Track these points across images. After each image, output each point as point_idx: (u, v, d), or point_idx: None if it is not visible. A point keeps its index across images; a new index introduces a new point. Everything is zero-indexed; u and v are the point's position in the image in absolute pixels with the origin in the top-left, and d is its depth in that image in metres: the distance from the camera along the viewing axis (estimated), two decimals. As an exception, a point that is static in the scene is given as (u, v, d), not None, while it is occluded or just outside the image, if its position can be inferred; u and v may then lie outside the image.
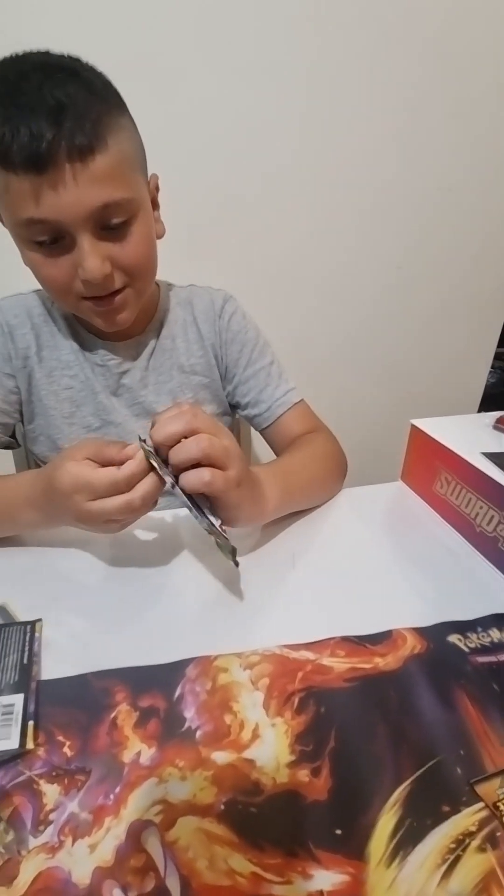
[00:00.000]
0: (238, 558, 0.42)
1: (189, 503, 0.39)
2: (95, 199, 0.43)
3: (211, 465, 0.38)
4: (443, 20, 0.90)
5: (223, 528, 0.41)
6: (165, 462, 0.39)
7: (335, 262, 1.08)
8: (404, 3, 0.87)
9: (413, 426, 0.58)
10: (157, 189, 0.54)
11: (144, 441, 0.39)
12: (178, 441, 0.38)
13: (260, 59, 0.87)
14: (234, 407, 0.69)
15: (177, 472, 0.39)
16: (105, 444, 0.41)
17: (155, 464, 0.38)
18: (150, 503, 0.40)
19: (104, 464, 0.40)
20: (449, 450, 0.52)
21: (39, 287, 0.58)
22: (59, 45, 0.44)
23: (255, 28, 0.84)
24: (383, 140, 0.98)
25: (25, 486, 0.45)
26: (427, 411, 0.59)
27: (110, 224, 0.46)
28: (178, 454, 0.38)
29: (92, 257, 0.45)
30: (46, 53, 0.44)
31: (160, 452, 0.39)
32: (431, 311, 1.18)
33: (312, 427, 0.64)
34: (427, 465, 0.56)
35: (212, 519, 0.40)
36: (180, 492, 0.39)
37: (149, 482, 0.39)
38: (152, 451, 0.39)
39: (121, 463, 0.39)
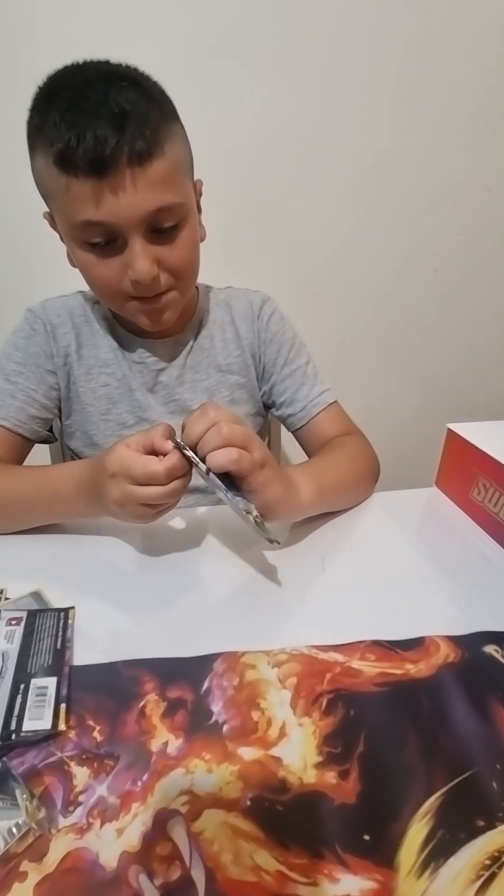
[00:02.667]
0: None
1: (222, 486, 0.41)
2: (151, 202, 0.45)
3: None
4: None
5: (258, 518, 0.41)
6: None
7: (371, 265, 1.07)
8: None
9: (449, 430, 0.57)
10: (200, 194, 0.55)
11: (179, 441, 0.41)
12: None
13: (291, 60, 0.87)
14: (268, 407, 0.69)
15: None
16: (154, 431, 0.42)
17: (189, 454, 0.41)
18: (178, 495, 0.42)
19: (149, 450, 0.41)
20: (488, 455, 0.50)
21: (80, 290, 0.60)
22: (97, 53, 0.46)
23: (293, 33, 0.85)
24: (420, 142, 0.97)
25: (77, 471, 0.47)
26: (463, 417, 0.58)
27: (161, 227, 0.47)
28: (205, 446, 0.40)
29: (142, 259, 0.47)
30: (107, 63, 0.45)
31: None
32: (468, 314, 1.15)
33: (346, 430, 0.63)
34: (463, 470, 0.54)
35: (247, 507, 0.41)
36: (213, 478, 0.40)
37: (180, 481, 0.41)
38: (185, 446, 0.41)
39: (163, 451, 0.41)
